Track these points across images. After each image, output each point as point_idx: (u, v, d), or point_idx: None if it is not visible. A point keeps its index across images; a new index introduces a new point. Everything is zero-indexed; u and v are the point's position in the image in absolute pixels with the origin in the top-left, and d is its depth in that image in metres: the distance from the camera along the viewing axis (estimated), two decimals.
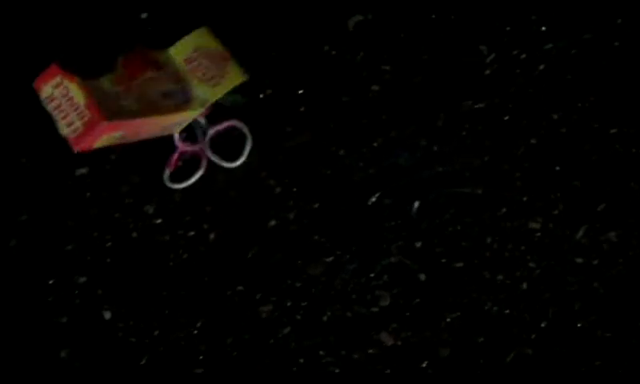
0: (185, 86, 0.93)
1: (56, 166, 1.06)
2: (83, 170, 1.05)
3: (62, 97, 0.80)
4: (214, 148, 1.02)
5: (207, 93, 0.95)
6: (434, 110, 0.98)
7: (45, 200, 1.06)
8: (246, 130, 1.01)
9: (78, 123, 0.79)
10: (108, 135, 0.81)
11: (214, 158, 1.02)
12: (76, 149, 0.80)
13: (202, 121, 1.02)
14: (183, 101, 0.92)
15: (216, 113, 1.01)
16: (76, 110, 0.79)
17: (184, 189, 1.02)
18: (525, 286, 0.97)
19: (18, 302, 1.04)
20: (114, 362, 1.02)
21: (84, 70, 0.80)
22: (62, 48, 0.82)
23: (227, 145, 1.01)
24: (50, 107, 0.80)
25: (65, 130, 0.80)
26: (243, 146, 1.01)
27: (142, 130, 0.87)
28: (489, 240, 0.98)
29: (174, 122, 0.92)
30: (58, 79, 0.80)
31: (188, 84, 0.93)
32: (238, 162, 1.02)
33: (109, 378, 1.01)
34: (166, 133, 0.95)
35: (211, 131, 1.02)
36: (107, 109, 0.79)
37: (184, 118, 0.94)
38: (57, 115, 0.80)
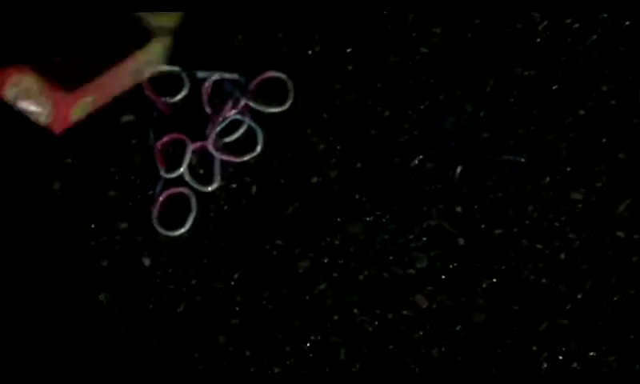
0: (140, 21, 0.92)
1: (102, 111, 1.08)
2: (129, 117, 1.08)
3: (24, 91, 0.82)
4: (256, 101, 1.04)
5: (168, 19, 0.95)
6: (483, 75, 1.00)
7: (90, 145, 1.09)
8: (289, 82, 1.03)
9: (48, 108, 0.81)
10: (78, 106, 0.83)
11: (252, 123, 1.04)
12: (58, 132, 0.82)
13: (237, 76, 1.04)
14: (143, 38, 0.92)
15: (254, 65, 1.03)
16: (40, 96, 0.81)
17: (226, 142, 1.04)
18: (563, 256, 0.99)
19: (60, 244, 1.08)
20: (152, 307, 1.05)
21: (28, 57, 0.82)
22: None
23: (269, 96, 1.03)
24: (19, 107, 0.83)
25: (42, 120, 0.82)
26: (285, 99, 1.04)
27: (111, 85, 0.88)
28: (529, 208, 1.00)
29: (142, 63, 0.92)
30: (12, 78, 0.82)
31: (144, 18, 0.93)
32: (282, 107, 1.04)
33: (146, 323, 1.04)
34: (140, 77, 0.96)
35: (251, 86, 1.04)
36: (65, 81, 0.81)
37: (152, 54, 0.94)
38: (28, 110, 0.82)
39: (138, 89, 1.08)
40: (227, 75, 1.08)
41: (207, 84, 1.08)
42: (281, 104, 1.07)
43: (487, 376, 0.99)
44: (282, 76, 1.06)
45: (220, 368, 1.04)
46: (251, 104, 1.06)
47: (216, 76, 1.08)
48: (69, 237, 1.10)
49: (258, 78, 1.07)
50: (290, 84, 1.06)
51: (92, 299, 1.09)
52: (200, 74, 1.09)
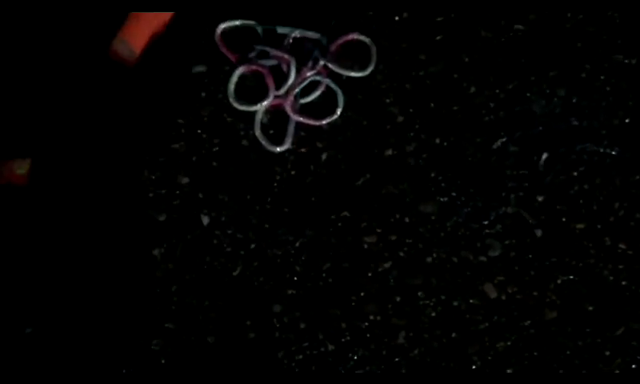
0: None
1: (173, 61, 1.10)
2: (201, 68, 1.10)
3: None
4: (336, 63, 1.06)
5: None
6: (580, 59, 1.01)
7: (158, 95, 1.11)
8: (371, 45, 1.05)
9: None
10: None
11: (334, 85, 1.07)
12: None
13: (318, 36, 1.06)
14: None
15: (336, 26, 1.05)
16: None
17: (302, 104, 1.06)
18: None
19: (119, 192, 1.10)
20: (206, 268, 1.07)
21: None
22: None
23: (350, 60, 1.05)
24: None
25: None
26: (366, 64, 1.05)
27: None
28: (616, 205, 1.00)
29: None
30: None
31: None
32: (363, 72, 1.06)
33: (200, 283, 1.07)
34: None
35: (332, 47, 1.06)
36: None
37: None
38: None
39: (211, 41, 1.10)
40: (309, 33, 1.09)
41: (287, 40, 1.10)
42: (362, 69, 1.08)
43: (554, 378, 1.00)
44: (366, 39, 1.07)
45: (272, 338, 1.06)
46: (331, 66, 1.08)
47: (296, 33, 1.10)
48: (128, 186, 1.12)
49: (341, 40, 1.08)
50: (373, 49, 1.07)
51: (146, 253, 1.11)
52: (280, 30, 1.10)
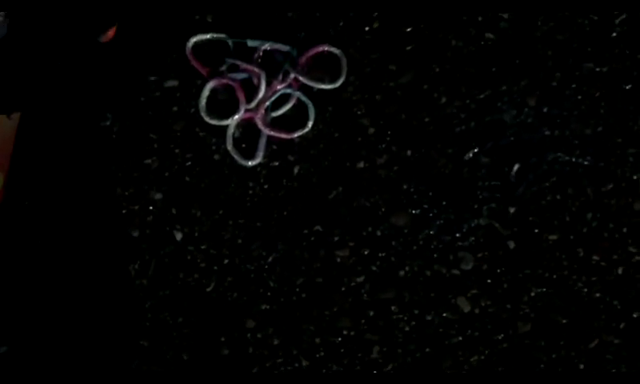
0: None
1: (145, 75, 1.11)
2: (174, 83, 1.10)
3: None
4: (307, 75, 1.06)
5: None
6: (550, 67, 1.00)
7: (129, 109, 1.12)
8: (342, 57, 1.05)
9: None
10: None
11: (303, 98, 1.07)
12: None
13: (288, 48, 1.06)
14: None
15: (306, 38, 1.06)
16: None
17: (273, 117, 1.06)
18: (620, 271, 0.99)
19: (91, 209, 1.11)
20: (180, 284, 1.08)
21: None
22: None
23: (320, 72, 1.05)
24: None
25: None
26: (337, 76, 1.05)
27: None
28: (589, 216, 1.00)
29: None
30: None
31: None
32: (334, 84, 1.07)
33: (174, 299, 1.07)
34: None
35: (302, 59, 1.06)
36: None
37: None
38: None
39: (182, 55, 1.10)
40: (278, 46, 1.09)
41: (257, 53, 1.10)
42: (333, 81, 1.08)
43: None
44: (336, 51, 1.08)
45: (246, 354, 1.07)
46: (301, 78, 1.08)
47: (267, 45, 1.10)
48: (100, 203, 1.13)
49: (311, 51, 1.08)
50: (343, 60, 1.07)
51: (120, 269, 1.12)
52: (250, 43, 1.10)
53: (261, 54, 1.14)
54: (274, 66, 1.15)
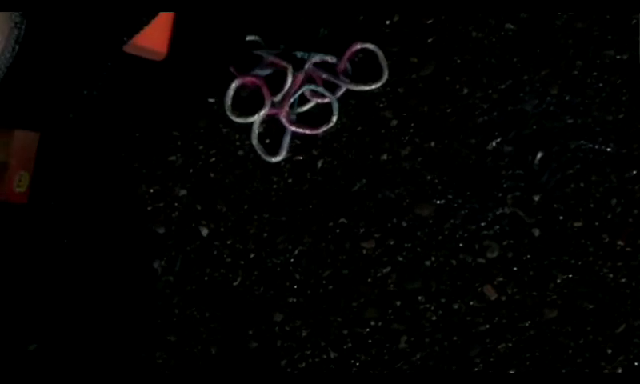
0: None
1: (169, 74, 1.12)
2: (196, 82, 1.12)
3: None
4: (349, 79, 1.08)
5: None
6: (572, 56, 1.01)
7: (153, 108, 1.13)
8: (378, 51, 1.06)
9: None
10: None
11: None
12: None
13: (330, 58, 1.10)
14: None
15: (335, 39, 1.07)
16: None
17: (299, 112, 1.07)
18: None
19: (116, 207, 1.12)
20: (207, 279, 1.09)
21: None
22: None
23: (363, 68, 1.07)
24: None
25: None
26: (379, 73, 1.07)
27: None
28: (613, 202, 1.01)
29: None
30: None
31: None
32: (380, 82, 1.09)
33: (200, 295, 1.08)
34: None
35: (341, 64, 1.08)
36: None
37: None
38: None
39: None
40: (327, 57, 1.10)
41: (308, 64, 1.11)
42: (376, 80, 1.09)
43: (556, 377, 1.01)
44: (371, 47, 1.09)
45: (274, 347, 1.07)
46: (348, 86, 1.09)
47: (317, 58, 1.11)
48: (126, 200, 1.14)
49: (348, 53, 1.09)
50: (381, 56, 1.08)
51: (146, 266, 1.13)
52: (299, 55, 1.12)
53: (311, 66, 1.15)
54: (297, 61, 1.16)
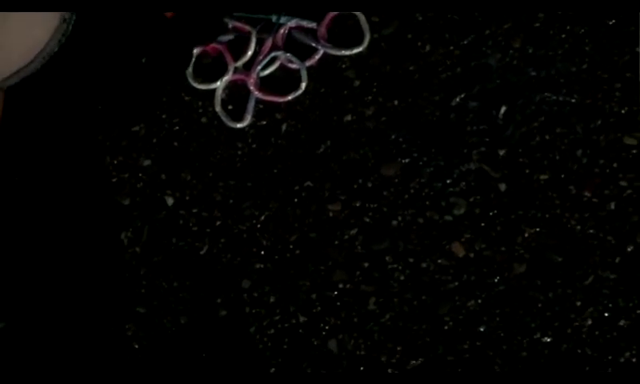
0: None
1: (125, 48, 1.10)
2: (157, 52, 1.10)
3: None
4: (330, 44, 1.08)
5: None
6: (532, 8, 1.00)
7: (113, 80, 1.11)
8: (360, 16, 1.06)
9: None
10: None
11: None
12: None
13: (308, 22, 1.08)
14: None
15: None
16: None
17: (263, 77, 1.06)
18: (613, 205, 1.00)
19: (81, 181, 1.11)
20: (173, 249, 1.08)
21: None
22: None
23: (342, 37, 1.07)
24: None
25: None
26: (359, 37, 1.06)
27: None
28: (579, 153, 1.00)
29: None
30: None
31: None
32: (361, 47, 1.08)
33: (168, 264, 1.07)
34: None
35: (321, 29, 1.07)
36: None
37: None
38: None
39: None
40: (304, 22, 1.09)
41: (284, 30, 1.10)
42: (357, 44, 1.07)
43: (526, 331, 1.00)
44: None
45: (243, 314, 1.06)
46: (329, 51, 1.07)
47: (292, 22, 1.09)
48: (90, 172, 1.13)
49: (326, 19, 1.08)
50: (362, 19, 1.07)
51: (112, 238, 1.12)
52: (274, 19, 1.10)
53: (286, 31, 1.13)
54: (263, 26, 1.14)
